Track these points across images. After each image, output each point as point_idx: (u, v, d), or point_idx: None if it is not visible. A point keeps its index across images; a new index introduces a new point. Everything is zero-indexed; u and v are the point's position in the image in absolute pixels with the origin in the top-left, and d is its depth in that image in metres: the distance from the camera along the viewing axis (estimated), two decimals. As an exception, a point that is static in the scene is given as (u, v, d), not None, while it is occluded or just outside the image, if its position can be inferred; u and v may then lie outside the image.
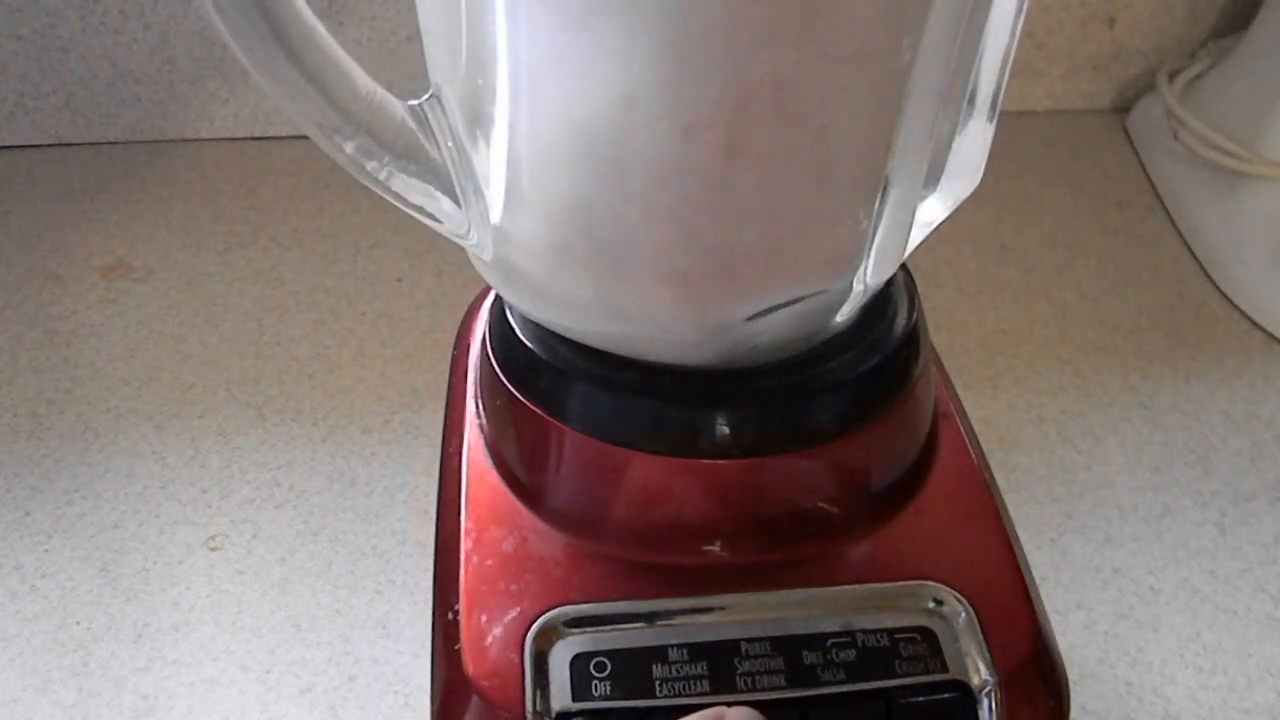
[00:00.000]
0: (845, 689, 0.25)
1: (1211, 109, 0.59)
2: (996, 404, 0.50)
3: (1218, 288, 0.56)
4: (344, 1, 0.60)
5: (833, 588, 0.27)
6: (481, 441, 0.30)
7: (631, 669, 0.25)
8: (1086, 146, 0.66)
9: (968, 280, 0.56)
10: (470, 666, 0.25)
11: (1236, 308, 0.55)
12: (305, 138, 0.23)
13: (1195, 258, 0.58)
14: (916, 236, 0.26)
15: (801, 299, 0.24)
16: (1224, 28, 0.65)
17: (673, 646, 0.26)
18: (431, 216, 0.25)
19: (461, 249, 0.27)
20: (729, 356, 0.26)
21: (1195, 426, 0.49)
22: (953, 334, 0.53)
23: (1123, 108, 0.68)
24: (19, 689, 0.39)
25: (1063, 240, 0.59)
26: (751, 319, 0.24)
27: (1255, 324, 0.54)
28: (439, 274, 0.56)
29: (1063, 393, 0.50)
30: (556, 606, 0.26)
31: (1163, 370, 0.51)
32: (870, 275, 0.25)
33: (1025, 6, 0.24)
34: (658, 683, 0.25)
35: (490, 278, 0.27)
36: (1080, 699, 0.38)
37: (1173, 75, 0.63)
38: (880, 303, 0.28)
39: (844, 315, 0.26)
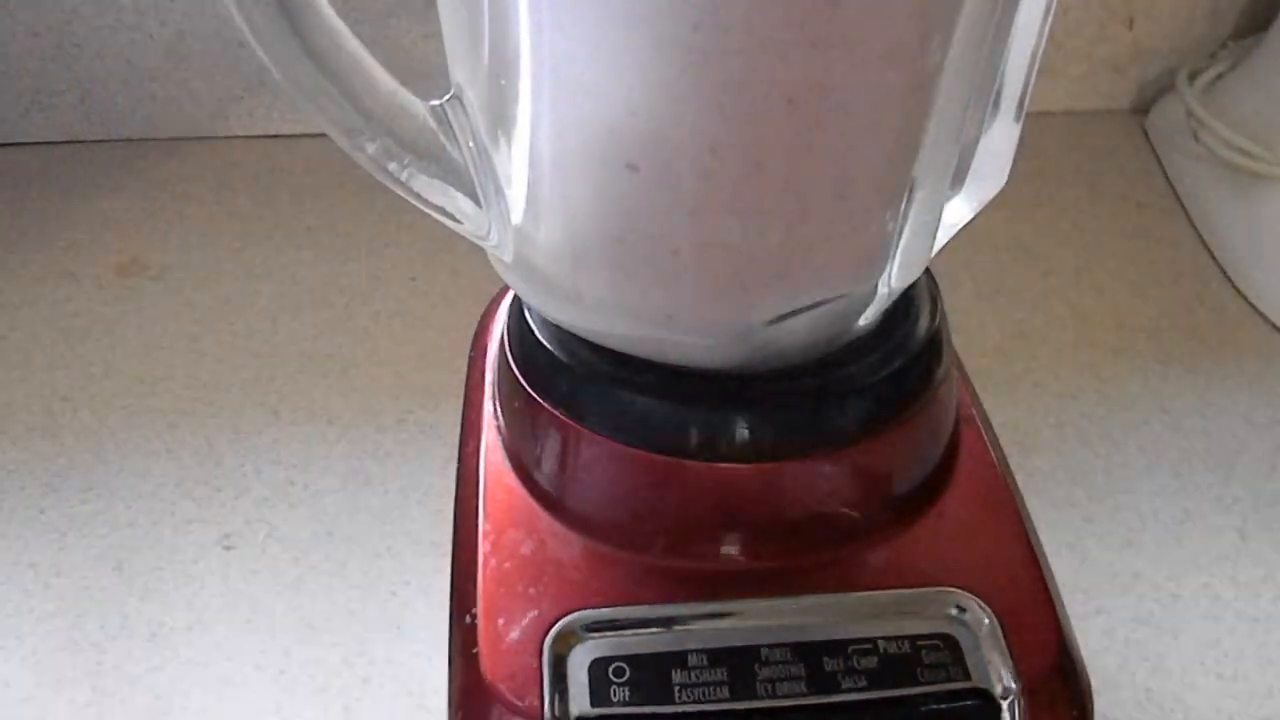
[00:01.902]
0: (867, 696, 0.25)
1: (1232, 110, 0.58)
2: (1015, 407, 0.49)
3: (1238, 290, 0.55)
4: (361, 0, 0.60)
5: (854, 594, 0.26)
6: (499, 443, 0.30)
7: (651, 674, 0.25)
8: (1105, 147, 0.65)
9: (986, 282, 0.56)
10: (488, 670, 0.25)
11: (1257, 310, 0.54)
12: (321, 136, 0.23)
13: (1215, 260, 0.57)
14: (941, 239, 0.26)
15: (825, 302, 0.24)
16: (1245, 28, 0.65)
17: (692, 652, 0.25)
18: (452, 217, 0.25)
19: (476, 249, 0.27)
20: (751, 360, 0.26)
21: (1216, 430, 0.48)
22: (970, 336, 0.53)
23: (1142, 109, 0.67)
24: (33, 687, 0.39)
25: (1081, 242, 0.58)
26: (774, 322, 0.24)
27: (1276, 327, 0.53)
28: (453, 273, 0.56)
29: (1082, 395, 0.50)
30: (575, 610, 0.26)
31: (1183, 373, 0.51)
32: (895, 278, 0.25)
33: (1053, 7, 0.24)
34: (677, 688, 0.25)
35: (510, 279, 0.27)
36: (1100, 706, 0.38)
37: (1193, 76, 0.62)
38: (902, 306, 0.28)
39: (867, 319, 0.26)
